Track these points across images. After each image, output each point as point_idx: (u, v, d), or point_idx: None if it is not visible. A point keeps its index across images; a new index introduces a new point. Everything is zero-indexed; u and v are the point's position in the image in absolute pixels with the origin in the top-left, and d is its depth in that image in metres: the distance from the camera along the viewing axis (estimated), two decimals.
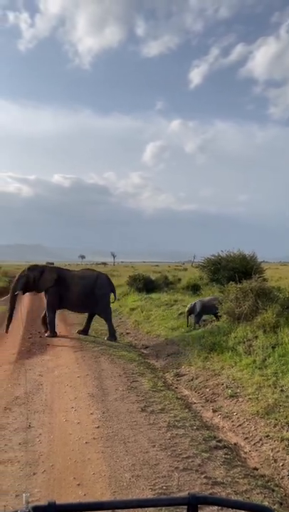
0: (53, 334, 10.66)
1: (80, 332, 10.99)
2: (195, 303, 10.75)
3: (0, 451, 4.48)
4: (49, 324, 10.71)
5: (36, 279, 10.63)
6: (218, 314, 10.21)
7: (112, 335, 10.72)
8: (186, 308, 11.02)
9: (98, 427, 5.09)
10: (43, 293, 11.11)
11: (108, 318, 10.89)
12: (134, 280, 19.27)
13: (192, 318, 10.83)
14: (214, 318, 10.57)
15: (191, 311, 10.74)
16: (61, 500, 3.49)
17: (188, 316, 10.87)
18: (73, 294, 10.69)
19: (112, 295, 11.21)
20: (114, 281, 12.40)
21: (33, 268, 10.97)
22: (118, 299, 13.87)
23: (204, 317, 10.93)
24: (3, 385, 6.72)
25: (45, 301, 10.99)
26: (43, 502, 1.25)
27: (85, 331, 11.05)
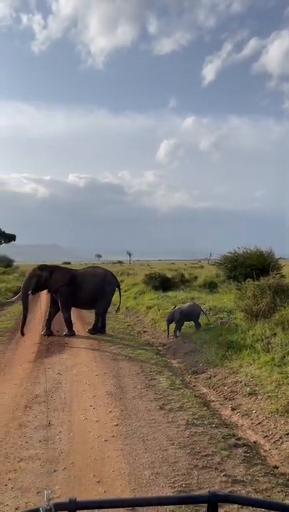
0: (71, 333, 10.77)
1: (93, 331, 11.05)
2: (174, 311, 10.59)
3: (21, 449, 4.56)
4: (66, 323, 10.84)
5: (47, 278, 10.75)
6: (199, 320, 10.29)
7: (102, 327, 11.05)
8: (166, 317, 10.86)
9: (117, 425, 5.12)
10: (43, 293, 11.27)
11: (102, 313, 11.11)
12: (150, 278, 19.27)
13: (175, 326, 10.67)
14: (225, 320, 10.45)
15: (170, 320, 10.54)
16: (82, 497, 3.53)
17: (168, 325, 10.65)
18: (85, 292, 10.84)
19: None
20: (131, 280, 12.47)
21: (43, 268, 11.11)
22: (112, 303, 14.05)
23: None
24: (24, 383, 6.82)
25: (40, 301, 11.13)
26: (64, 499, 1.26)
27: (102, 329, 11.13)
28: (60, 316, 12.80)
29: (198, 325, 10.36)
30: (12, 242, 65.13)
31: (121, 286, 21.82)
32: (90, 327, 11.24)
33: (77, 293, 10.81)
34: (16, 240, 65.19)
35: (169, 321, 10.55)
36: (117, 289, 11.64)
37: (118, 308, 12.29)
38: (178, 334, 10.40)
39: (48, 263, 12.69)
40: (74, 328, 11.04)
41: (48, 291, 11.29)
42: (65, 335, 10.71)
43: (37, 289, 11.08)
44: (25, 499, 3.65)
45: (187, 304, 11.00)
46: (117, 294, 11.88)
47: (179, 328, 10.46)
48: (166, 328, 10.62)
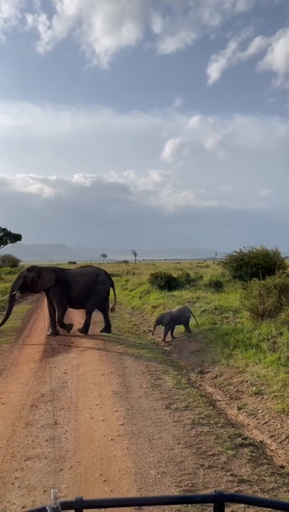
0: (53, 332, 10.73)
1: (83, 329, 11.04)
2: (163, 314, 10.66)
3: (28, 447, 4.58)
4: (56, 321, 10.85)
5: (34, 279, 10.80)
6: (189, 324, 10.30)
7: (107, 327, 11.07)
8: (154, 319, 10.99)
9: (123, 424, 5.13)
10: (41, 294, 11.29)
11: (90, 312, 11.10)
12: (155, 278, 19.26)
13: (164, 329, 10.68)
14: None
15: (158, 322, 10.64)
16: (88, 496, 3.55)
17: (155, 326, 10.83)
18: (75, 292, 10.86)
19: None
20: (136, 280, 12.44)
21: (31, 269, 11.17)
22: (118, 302, 13.98)
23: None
24: (30, 382, 6.85)
25: (45, 302, 11.14)
26: (70, 498, 1.27)
27: (107, 328, 11.14)
28: (65, 315, 12.83)
29: (188, 329, 10.37)
30: (18, 242, 65.47)
31: (126, 286, 21.92)
32: (96, 326, 11.25)
33: (68, 292, 10.85)
34: (22, 239, 65.51)
35: (157, 323, 10.68)
36: (111, 288, 11.57)
37: (112, 307, 11.88)
38: (170, 338, 10.36)
39: (54, 263, 12.78)
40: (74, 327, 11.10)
41: (35, 292, 11.37)
42: (49, 334, 10.71)
43: (24, 290, 11.22)
44: (31, 498, 3.67)
45: (177, 308, 11.04)
46: (115, 293, 11.89)
47: (166, 331, 10.43)
48: (153, 328, 10.88)
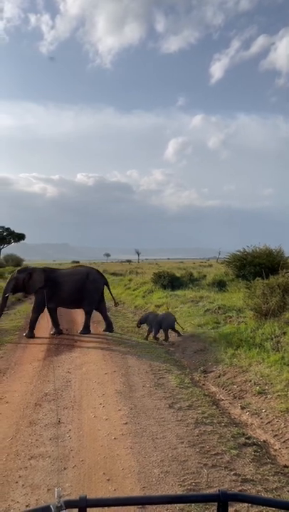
0: (30, 335, 10.57)
1: (84, 330, 11.00)
2: (148, 314, 10.71)
3: (31, 446, 4.60)
4: (30, 323, 10.75)
5: (25, 281, 10.78)
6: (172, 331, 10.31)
7: (109, 326, 11.07)
8: (139, 318, 11.14)
9: (126, 423, 5.13)
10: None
11: (88, 312, 11.06)
12: (158, 277, 19.26)
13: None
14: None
15: (142, 321, 10.71)
16: (92, 495, 3.56)
17: (138, 325, 10.94)
18: (65, 292, 10.78)
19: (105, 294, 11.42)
20: (139, 279, 12.43)
21: (22, 270, 11.17)
22: (117, 303, 14.02)
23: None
24: (33, 381, 6.87)
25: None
26: (74, 497, 1.27)
27: (109, 327, 11.13)
28: (68, 315, 12.86)
29: (168, 335, 10.30)
30: (22, 242, 65.68)
31: (130, 285, 21.90)
32: (99, 326, 11.25)
33: (59, 292, 10.80)
34: (26, 239, 65.68)
35: (140, 322, 10.75)
36: (106, 287, 11.52)
37: (116, 303, 12.25)
38: (155, 337, 10.35)
39: (57, 262, 12.85)
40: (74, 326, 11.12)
41: (28, 293, 11.37)
42: (25, 335, 10.57)
43: (16, 291, 11.23)
44: (35, 496, 3.68)
45: (163, 312, 11.12)
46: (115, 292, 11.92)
47: (150, 330, 10.44)
48: (137, 326, 11.02)
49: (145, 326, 10.78)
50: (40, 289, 10.72)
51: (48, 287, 10.69)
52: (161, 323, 10.33)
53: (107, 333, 10.94)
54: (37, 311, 10.80)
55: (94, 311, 11.28)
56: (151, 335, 10.37)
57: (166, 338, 10.24)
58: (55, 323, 11.05)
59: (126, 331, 11.43)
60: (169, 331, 10.29)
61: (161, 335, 10.31)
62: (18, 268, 11.66)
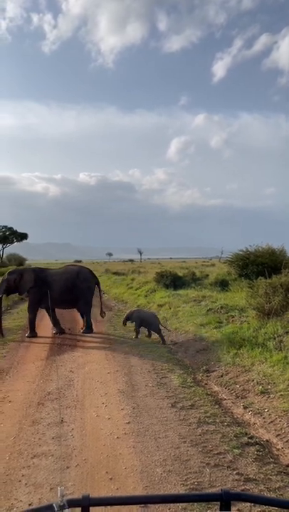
0: (32, 334, 10.60)
1: (86, 330, 10.95)
2: (133, 311, 10.74)
3: (34, 445, 4.61)
4: (29, 324, 10.78)
5: (17, 281, 10.81)
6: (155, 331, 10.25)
7: (89, 327, 10.96)
8: (125, 314, 11.12)
9: (129, 423, 5.14)
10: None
11: (87, 312, 11.02)
12: (161, 277, 19.25)
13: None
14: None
15: (127, 318, 10.73)
16: (94, 494, 3.56)
17: (124, 322, 10.88)
18: (55, 292, 10.73)
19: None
20: (142, 278, 12.41)
21: (12, 271, 11.19)
22: (104, 292, 13.76)
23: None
24: (36, 380, 6.89)
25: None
26: (77, 495, 1.28)
27: (87, 328, 11.02)
28: (71, 314, 12.86)
29: (150, 334, 10.40)
30: (24, 241, 65.77)
31: (132, 285, 21.88)
32: (102, 325, 11.23)
33: (50, 292, 10.76)
34: (28, 238, 65.76)
35: (126, 319, 10.77)
36: (97, 287, 11.40)
37: (102, 312, 11.61)
38: (138, 336, 10.41)
39: (60, 262, 12.84)
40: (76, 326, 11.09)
41: (20, 294, 11.39)
42: (27, 336, 10.58)
43: (9, 293, 11.24)
44: (38, 495, 3.69)
45: (149, 311, 11.15)
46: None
47: (136, 329, 10.51)
48: (123, 324, 10.96)
49: (130, 324, 10.83)
50: (31, 289, 10.77)
51: (38, 287, 10.72)
52: (142, 321, 10.44)
53: (111, 332, 10.94)
54: (32, 311, 10.85)
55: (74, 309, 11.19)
56: (142, 332, 10.46)
57: (149, 335, 10.39)
58: (55, 322, 11.05)
59: (128, 330, 11.43)
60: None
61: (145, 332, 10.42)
62: (9, 270, 11.68)
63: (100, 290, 11.58)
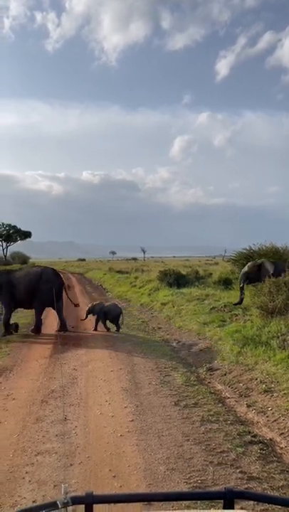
0: (8, 333, 10.68)
1: (62, 328, 11.05)
2: (95, 304, 10.93)
3: (38, 443, 4.63)
4: (4, 324, 10.86)
5: None
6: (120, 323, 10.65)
7: (37, 328, 10.96)
8: (87, 307, 11.38)
9: (132, 421, 5.15)
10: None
11: (39, 312, 11.09)
12: (164, 275, 19.25)
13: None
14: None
15: (89, 311, 10.94)
16: (98, 491, 3.57)
17: (86, 315, 11.10)
18: (19, 293, 10.90)
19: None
20: (145, 277, 12.40)
21: None
22: (107, 291, 13.91)
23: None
24: (40, 378, 6.91)
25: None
26: (80, 493, 1.28)
27: (63, 327, 11.06)
28: (75, 313, 12.88)
29: (118, 326, 10.70)
30: (28, 239, 65.95)
31: (135, 283, 21.88)
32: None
33: (14, 293, 10.95)
34: (32, 236, 65.93)
35: (87, 312, 11.04)
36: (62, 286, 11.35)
37: (75, 304, 12.00)
38: (99, 329, 10.68)
39: (63, 260, 12.90)
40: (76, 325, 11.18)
41: None
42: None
43: None
44: (42, 492, 3.71)
45: (109, 303, 11.43)
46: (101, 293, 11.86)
47: (97, 322, 10.76)
48: (85, 317, 11.26)
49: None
50: (1, 290, 10.95)
51: (4, 289, 10.89)
52: (106, 314, 10.65)
53: (113, 331, 10.94)
54: (8, 311, 11.01)
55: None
56: (101, 327, 10.70)
57: (118, 329, 10.63)
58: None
59: (132, 328, 11.45)
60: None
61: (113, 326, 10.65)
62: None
63: (65, 290, 11.57)
